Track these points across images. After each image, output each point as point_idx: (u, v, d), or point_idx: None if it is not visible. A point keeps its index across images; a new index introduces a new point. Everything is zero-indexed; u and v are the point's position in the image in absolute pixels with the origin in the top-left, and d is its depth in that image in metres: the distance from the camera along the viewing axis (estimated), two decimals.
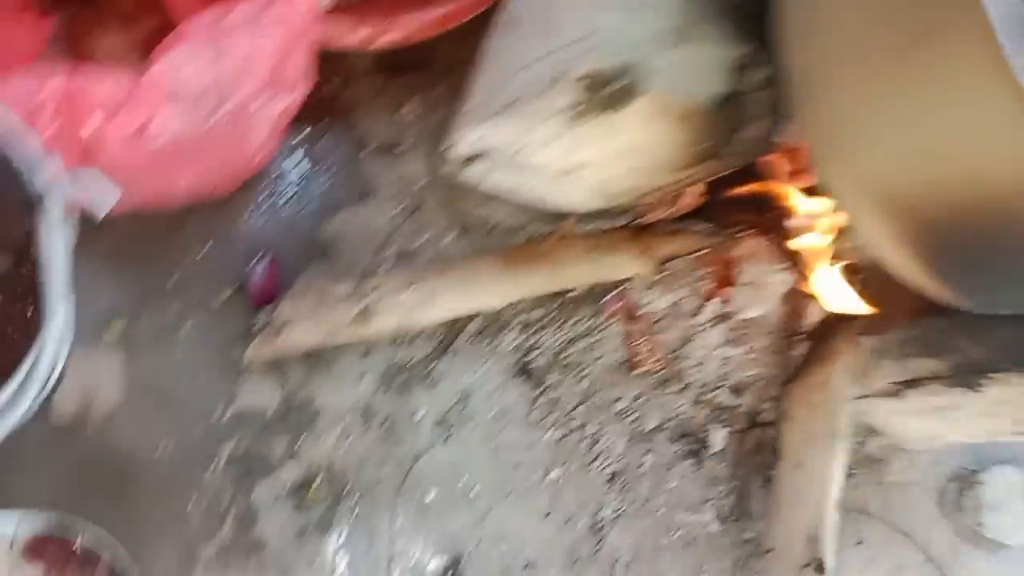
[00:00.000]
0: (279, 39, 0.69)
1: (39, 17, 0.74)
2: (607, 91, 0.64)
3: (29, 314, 0.58)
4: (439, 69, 0.92)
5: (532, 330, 0.93)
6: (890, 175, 0.59)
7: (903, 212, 0.59)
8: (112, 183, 0.58)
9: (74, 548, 0.79)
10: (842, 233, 0.82)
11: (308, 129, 0.88)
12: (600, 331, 0.94)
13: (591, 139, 0.71)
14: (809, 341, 0.98)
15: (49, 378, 0.53)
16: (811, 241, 0.84)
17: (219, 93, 0.68)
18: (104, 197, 0.56)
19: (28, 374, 0.51)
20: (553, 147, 0.76)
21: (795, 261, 0.88)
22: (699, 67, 0.65)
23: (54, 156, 0.56)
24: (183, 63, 0.66)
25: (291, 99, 0.74)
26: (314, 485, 0.86)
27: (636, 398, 0.95)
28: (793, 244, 0.85)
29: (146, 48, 0.76)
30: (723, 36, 0.65)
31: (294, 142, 0.88)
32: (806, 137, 0.66)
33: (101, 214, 0.55)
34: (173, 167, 0.70)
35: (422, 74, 0.91)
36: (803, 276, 0.89)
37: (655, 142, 0.70)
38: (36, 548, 0.78)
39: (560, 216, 0.89)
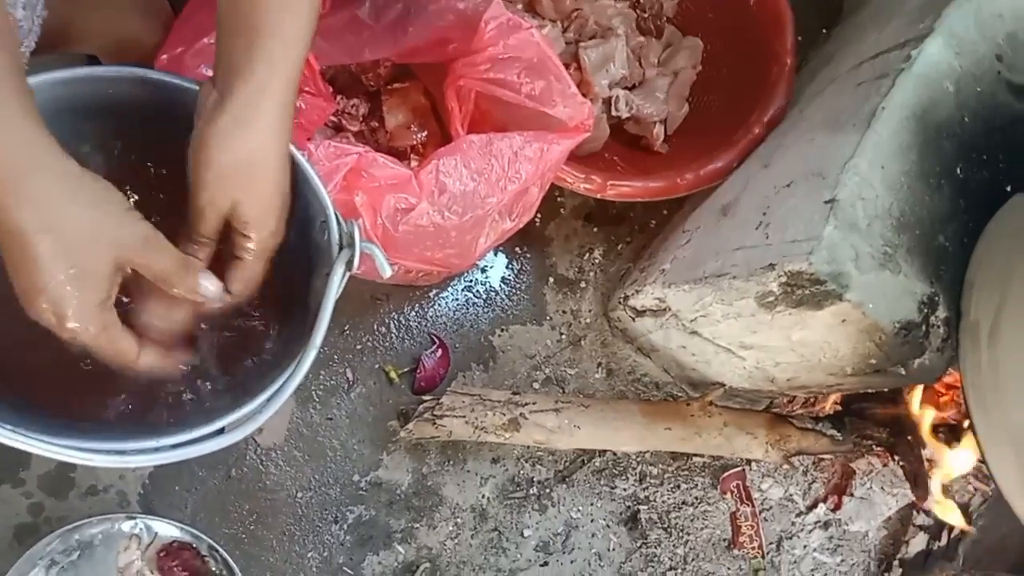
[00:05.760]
0: (530, 171, 0.80)
1: (327, 99, 0.87)
2: (810, 290, 0.73)
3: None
4: (628, 228, 1.02)
5: (649, 483, 0.98)
6: None
7: None
8: (387, 256, 0.67)
9: (198, 566, 0.83)
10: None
11: (510, 250, 0.98)
12: (712, 503, 0.98)
13: (774, 327, 0.79)
14: (901, 569, 1.01)
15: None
16: (938, 471, 0.89)
17: (470, 201, 0.78)
18: (383, 266, 0.65)
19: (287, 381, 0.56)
20: (732, 324, 0.84)
21: (915, 487, 0.92)
22: (892, 293, 0.73)
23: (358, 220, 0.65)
24: (451, 170, 0.77)
25: (517, 223, 0.84)
26: (418, 572, 0.89)
27: None
28: (919, 471, 0.90)
29: (418, 149, 0.88)
30: (918, 272, 0.73)
31: (496, 257, 0.97)
32: (966, 374, 0.73)
33: (385, 275, 0.63)
34: (411, 250, 0.79)
35: (613, 228, 1.01)
36: (919, 501, 0.93)
37: (832, 346, 0.77)
38: (166, 557, 0.82)
39: (706, 385, 0.96)
